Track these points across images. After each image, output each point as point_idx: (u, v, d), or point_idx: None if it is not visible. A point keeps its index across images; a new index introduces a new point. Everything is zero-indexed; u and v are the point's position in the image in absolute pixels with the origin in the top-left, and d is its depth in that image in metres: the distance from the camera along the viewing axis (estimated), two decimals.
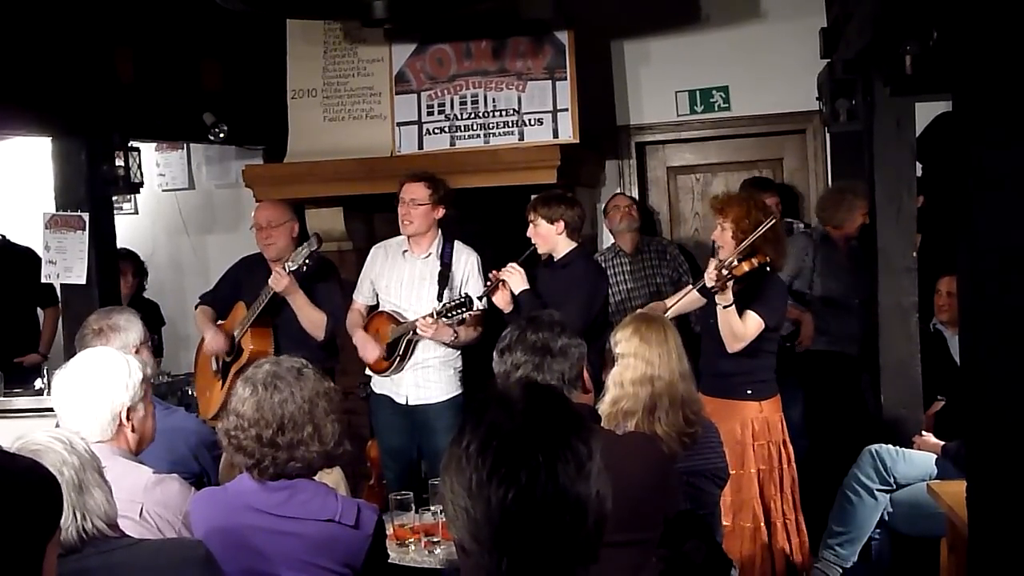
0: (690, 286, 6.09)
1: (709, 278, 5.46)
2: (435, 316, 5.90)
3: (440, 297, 6.09)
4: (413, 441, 6.33)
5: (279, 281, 6.10)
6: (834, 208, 7.06)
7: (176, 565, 2.90)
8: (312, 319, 6.30)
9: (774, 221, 5.65)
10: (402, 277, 6.28)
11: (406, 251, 6.28)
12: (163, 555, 2.95)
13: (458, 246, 6.28)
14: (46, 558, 2.20)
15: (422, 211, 6.13)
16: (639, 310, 5.53)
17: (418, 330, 6.01)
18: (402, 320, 6.17)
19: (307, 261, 6.05)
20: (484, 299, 6.05)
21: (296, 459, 3.41)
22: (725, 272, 5.39)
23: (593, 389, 3.89)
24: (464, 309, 5.83)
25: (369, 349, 6.24)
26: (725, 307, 5.49)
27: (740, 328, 5.52)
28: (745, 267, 5.43)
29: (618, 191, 7.96)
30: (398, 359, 6.18)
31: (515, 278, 5.98)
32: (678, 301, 5.96)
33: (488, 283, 6.05)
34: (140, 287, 8.16)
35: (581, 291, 6.02)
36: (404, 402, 6.27)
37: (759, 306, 5.57)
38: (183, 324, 8.33)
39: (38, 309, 8.36)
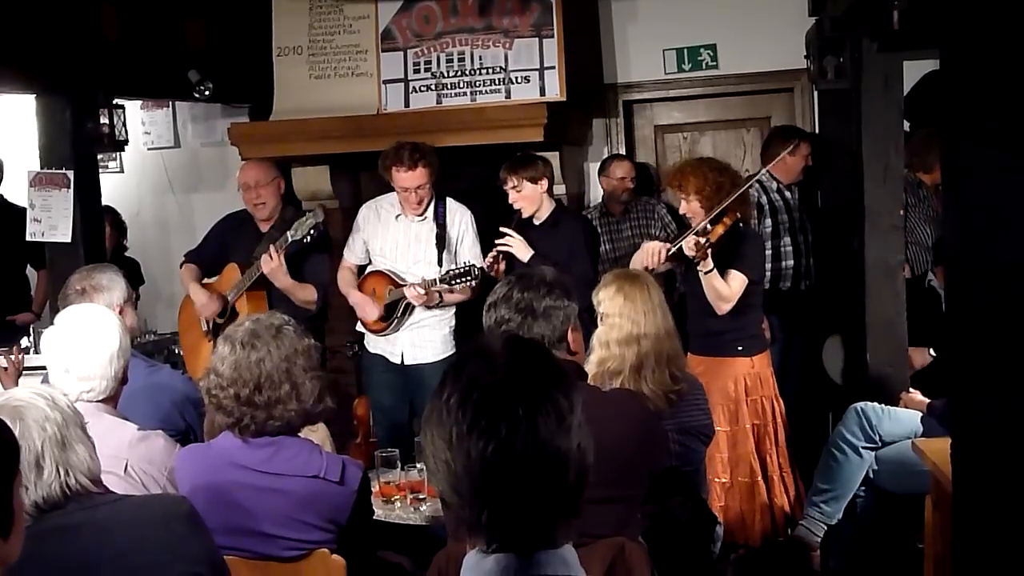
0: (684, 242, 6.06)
1: (689, 249, 5.45)
2: (436, 283, 5.88)
3: (440, 262, 6.08)
4: (406, 400, 6.34)
5: (268, 264, 6.07)
6: (925, 152, 6.83)
7: (160, 520, 2.90)
8: (302, 298, 6.27)
9: (737, 180, 5.79)
10: (397, 239, 6.25)
11: (399, 215, 6.24)
12: (147, 511, 2.94)
13: (451, 204, 6.26)
14: (14, 496, 2.28)
15: (428, 190, 6.10)
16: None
17: (410, 300, 6.01)
18: (400, 281, 6.15)
19: (312, 232, 6.02)
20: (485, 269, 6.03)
21: (275, 417, 3.42)
22: (703, 240, 5.39)
23: (582, 351, 3.86)
24: (468, 279, 5.80)
25: (368, 310, 6.23)
26: (707, 272, 5.49)
27: (726, 289, 5.55)
28: (720, 230, 5.48)
29: (615, 154, 7.88)
30: (396, 320, 6.18)
31: (518, 247, 5.97)
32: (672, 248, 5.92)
33: (490, 261, 6.01)
34: (121, 245, 8.13)
35: (589, 245, 6.18)
36: (399, 361, 6.28)
37: (739, 263, 5.61)
38: (168, 283, 8.31)
39: (29, 269, 8.33)
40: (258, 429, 3.42)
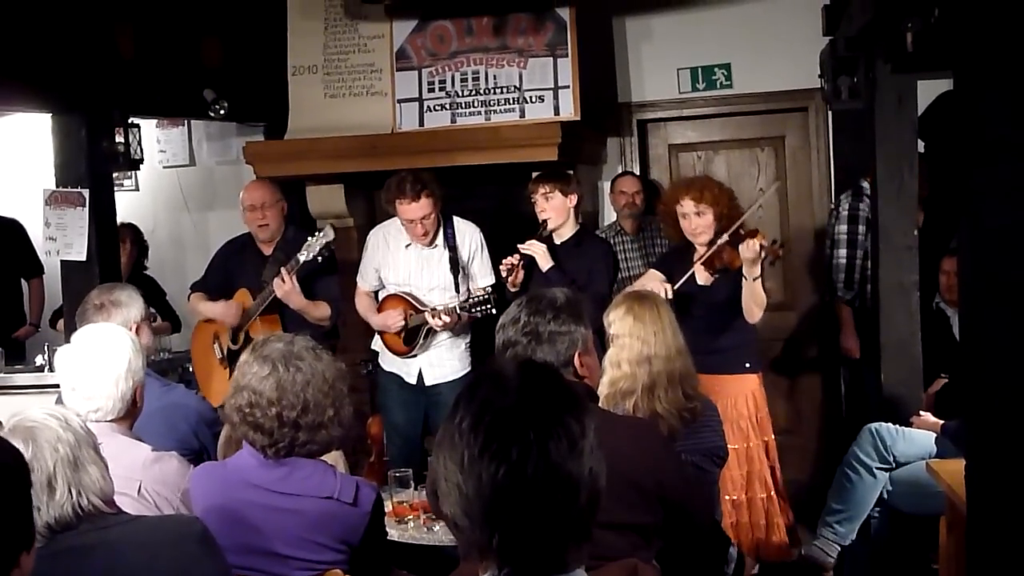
0: (652, 271, 6.05)
1: (756, 253, 5.39)
2: (456, 312, 5.89)
3: (457, 287, 6.11)
4: (420, 418, 6.34)
5: (282, 287, 6.09)
6: None
7: (173, 541, 2.90)
8: (316, 316, 6.29)
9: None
10: (410, 268, 6.25)
11: (409, 244, 6.22)
12: (160, 531, 2.94)
13: (458, 224, 6.25)
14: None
15: (433, 219, 6.08)
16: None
17: (434, 326, 6.03)
18: (418, 305, 6.15)
19: (324, 252, 6.05)
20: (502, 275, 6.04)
21: (317, 441, 3.42)
22: (766, 243, 5.41)
23: (595, 375, 3.83)
24: (488, 307, 5.78)
25: (392, 322, 6.20)
26: (756, 278, 5.50)
27: (763, 295, 5.56)
28: (756, 242, 5.45)
29: (626, 171, 7.90)
30: (419, 344, 6.19)
31: (540, 253, 5.96)
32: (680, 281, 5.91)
33: (509, 266, 6.00)
34: (140, 264, 8.16)
35: (609, 269, 6.16)
36: (415, 381, 6.28)
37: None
38: (183, 301, 8.29)
39: (22, 280, 8.39)
40: (291, 451, 3.42)
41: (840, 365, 7.31)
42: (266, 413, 3.37)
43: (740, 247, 5.46)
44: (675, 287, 5.73)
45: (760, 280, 5.53)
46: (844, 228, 6.89)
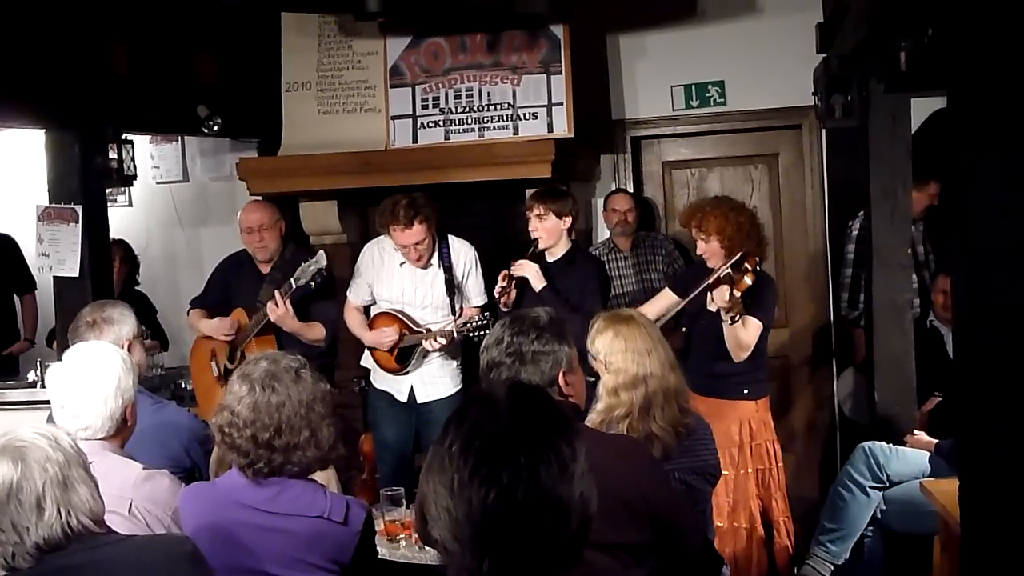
0: (667, 289, 6.06)
1: (724, 302, 5.38)
2: (454, 335, 5.91)
3: (453, 309, 6.12)
4: (410, 436, 6.32)
5: (275, 311, 6.11)
6: None
7: (163, 561, 2.88)
8: (311, 338, 6.30)
9: (754, 219, 5.79)
10: (404, 286, 6.25)
11: (403, 263, 6.20)
12: (150, 551, 2.92)
13: (453, 243, 6.25)
14: None
15: (427, 244, 6.07)
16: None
17: (429, 348, 6.04)
18: (412, 324, 6.16)
19: (317, 279, 6.04)
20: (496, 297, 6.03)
21: (292, 462, 3.40)
22: (737, 294, 5.36)
23: (581, 394, 3.79)
24: (486, 331, 5.75)
25: (385, 340, 6.19)
26: (734, 322, 5.46)
27: (747, 339, 5.51)
28: (748, 281, 5.40)
29: (619, 188, 7.91)
30: (412, 363, 6.19)
31: (532, 274, 5.96)
32: (664, 315, 5.87)
33: (502, 286, 6.00)
34: (132, 279, 8.14)
35: (602, 288, 6.16)
36: (406, 399, 6.27)
37: (756, 310, 5.55)
38: (176, 317, 8.30)
39: (15, 296, 8.38)
40: (271, 471, 3.40)
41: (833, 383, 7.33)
42: (242, 434, 3.38)
43: (712, 291, 5.47)
44: (687, 300, 5.74)
45: (738, 324, 5.48)
46: (852, 247, 6.88)
